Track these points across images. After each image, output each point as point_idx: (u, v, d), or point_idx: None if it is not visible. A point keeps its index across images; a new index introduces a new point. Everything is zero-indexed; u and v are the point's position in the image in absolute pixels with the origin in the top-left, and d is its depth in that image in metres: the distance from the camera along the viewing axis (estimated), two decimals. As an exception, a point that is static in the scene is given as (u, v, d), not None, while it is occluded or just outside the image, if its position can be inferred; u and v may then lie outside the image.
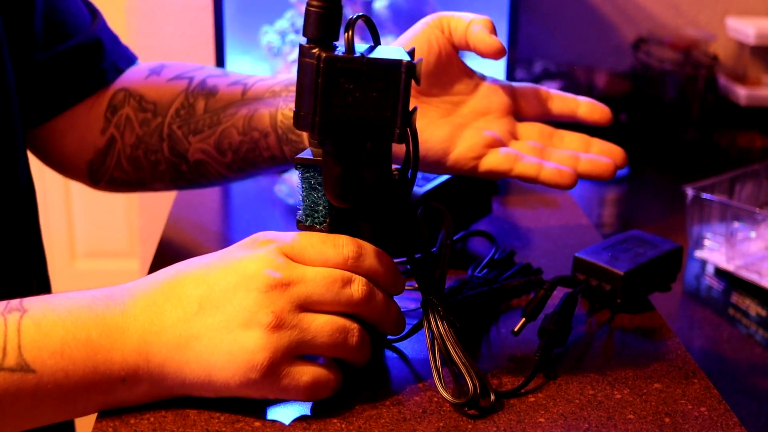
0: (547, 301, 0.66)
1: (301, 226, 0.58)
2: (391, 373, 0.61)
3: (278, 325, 0.52)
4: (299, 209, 0.58)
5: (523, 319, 0.64)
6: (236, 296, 0.53)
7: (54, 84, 0.78)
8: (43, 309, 0.53)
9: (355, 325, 0.55)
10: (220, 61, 1.17)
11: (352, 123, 0.53)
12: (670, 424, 0.56)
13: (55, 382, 0.52)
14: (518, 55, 1.23)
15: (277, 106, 0.73)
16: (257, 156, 0.74)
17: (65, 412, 0.54)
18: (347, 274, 0.55)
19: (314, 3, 0.52)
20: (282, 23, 1.25)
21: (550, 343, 0.62)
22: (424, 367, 0.61)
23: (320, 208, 0.57)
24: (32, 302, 0.54)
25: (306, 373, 0.54)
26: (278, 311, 0.53)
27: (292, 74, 0.75)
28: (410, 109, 0.54)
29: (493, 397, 0.57)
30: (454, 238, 0.80)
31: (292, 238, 0.56)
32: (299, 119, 0.54)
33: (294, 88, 0.71)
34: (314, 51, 0.52)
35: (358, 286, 0.55)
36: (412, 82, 0.53)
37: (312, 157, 0.56)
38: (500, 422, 0.56)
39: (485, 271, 0.74)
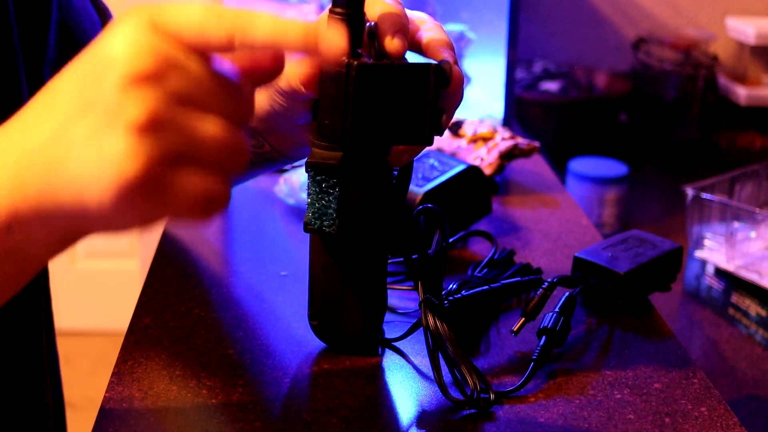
0: (546, 301, 0.66)
1: (309, 229, 0.58)
2: (391, 373, 0.61)
3: (151, 124, 0.40)
4: (308, 212, 0.58)
5: (522, 319, 0.65)
6: (101, 95, 0.41)
7: None
8: None
9: (245, 138, 0.43)
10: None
11: (383, 128, 0.53)
12: (670, 424, 0.56)
13: None
14: (518, 55, 1.23)
15: None
16: (250, 177, 0.74)
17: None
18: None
19: (337, 10, 0.52)
20: (282, 23, 1.25)
21: (549, 344, 0.62)
22: (424, 367, 0.61)
23: (330, 210, 0.57)
24: None
25: (196, 183, 0.42)
26: (151, 105, 0.40)
27: None
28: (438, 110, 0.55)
29: (492, 397, 0.57)
30: (454, 237, 0.80)
31: (169, 8, 0.42)
32: (324, 128, 0.53)
33: None
34: (343, 59, 0.52)
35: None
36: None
37: (322, 161, 0.56)
38: (500, 422, 0.56)
39: (485, 271, 0.74)
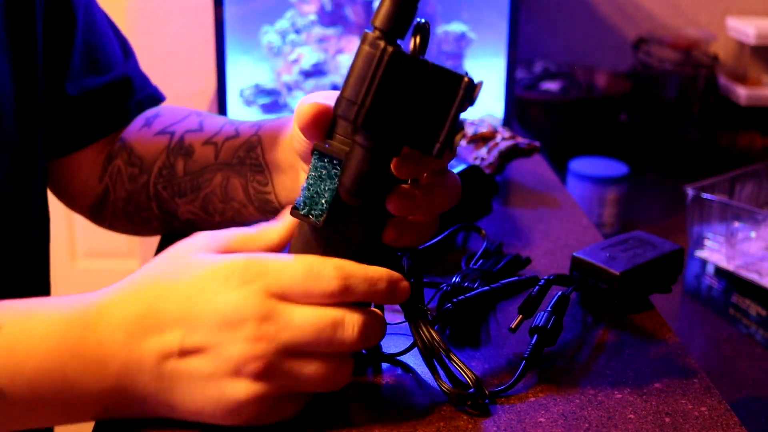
0: (542, 298, 0.66)
1: (296, 214, 0.55)
2: (391, 374, 0.61)
3: (267, 375, 0.50)
4: (301, 194, 0.55)
5: (520, 317, 0.64)
6: (222, 344, 0.50)
7: (77, 120, 0.78)
8: (18, 332, 0.51)
9: (348, 363, 0.53)
10: (220, 61, 1.17)
11: (397, 123, 0.52)
12: (670, 424, 0.56)
13: (28, 409, 0.51)
14: (518, 55, 1.23)
15: (246, 177, 0.72)
16: (244, 220, 0.74)
17: (37, 428, 0.53)
18: (338, 315, 0.51)
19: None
20: (282, 23, 1.25)
21: (541, 342, 0.62)
22: (424, 368, 0.61)
23: (322, 200, 0.54)
24: (6, 318, 0.51)
25: (292, 407, 0.54)
26: (267, 362, 0.50)
27: (256, 121, 0.75)
28: (458, 126, 0.53)
29: (486, 401, 0.57)
30: (445, 233, 0.80)
31: (276, 273, 0.51)
32: (342, 103, 0.52)
33: (255, 145, 0.72)
34: (380, 42, 0.51)
35: (350, 329, 0.51)
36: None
37: (331, 148, 0.54)
38: (500, 422, 0.56)
39: (480, 262, 0.75)
